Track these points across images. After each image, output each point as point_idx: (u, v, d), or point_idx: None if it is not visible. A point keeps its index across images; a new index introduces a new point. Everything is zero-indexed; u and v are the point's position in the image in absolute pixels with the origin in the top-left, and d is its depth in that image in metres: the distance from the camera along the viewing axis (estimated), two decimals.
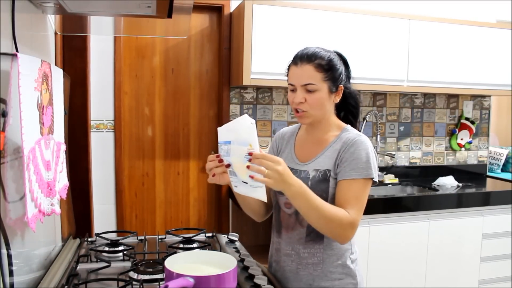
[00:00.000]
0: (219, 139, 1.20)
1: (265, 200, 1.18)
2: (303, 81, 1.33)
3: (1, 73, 0.94)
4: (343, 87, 1.40)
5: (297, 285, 1.40)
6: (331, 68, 1.35)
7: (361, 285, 1.42)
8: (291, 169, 1.40)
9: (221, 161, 1.21)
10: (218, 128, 1.20)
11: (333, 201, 1.33)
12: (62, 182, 1.35)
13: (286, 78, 1.44)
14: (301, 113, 1.36)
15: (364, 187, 1.32)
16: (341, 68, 1.39)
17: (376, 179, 1.35)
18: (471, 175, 3.51)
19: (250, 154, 1.12)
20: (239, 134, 1.15)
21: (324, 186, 1.35)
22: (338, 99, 1.40)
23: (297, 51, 1.40)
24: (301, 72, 1.34)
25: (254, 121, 1.13)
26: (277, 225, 1.47)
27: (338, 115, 1.47)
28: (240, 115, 1.30)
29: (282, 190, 1.18)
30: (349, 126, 1.44)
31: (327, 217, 1.23)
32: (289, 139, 1.52)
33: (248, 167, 1.12)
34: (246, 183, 1.16)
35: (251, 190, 1.18)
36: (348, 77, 1.44)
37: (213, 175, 1.24)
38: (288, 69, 1.40)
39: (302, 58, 1.35)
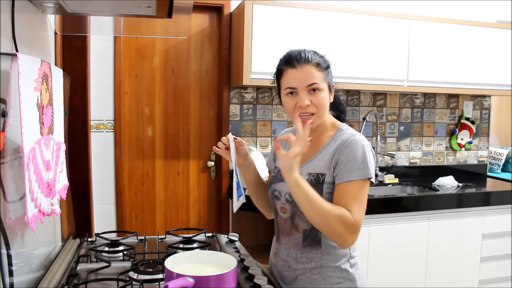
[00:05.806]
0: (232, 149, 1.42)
1: (236, 208, 1.44)
2: (308, 81, 1.27)
3: (1, 73, 0.94)
4: (334, 86, 1.37)
5: None
6: (328, 67, 1.33)
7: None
8: None
9: (227, 148, 1.42)
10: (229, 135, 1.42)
11: None
12: (62, 182, 1.35)
13: (275, 83, 1.40)
14: (308, 117, 1.28)
15: (362, 188, 1.27)
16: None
17: (373, 179, 1.30)
18: (471, 175, 3.51)
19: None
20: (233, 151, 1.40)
21: (317, 190, 1.26)
22: (332, 98, 1.36)
23: (283, 55, 1.35)
24: (303, 73, 1.27)
25: (233, 137, 1.39)
26: (276, 230, 1.47)
27: None
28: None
29: (287, 171, 1.22)
30: (344, 125, 1.39)
31: (327, 211, 1.20)
32: (287, 142, 1.50)
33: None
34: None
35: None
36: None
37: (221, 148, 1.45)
38: (281, 73, 1.34)
39: (299, 59, 1.29)
